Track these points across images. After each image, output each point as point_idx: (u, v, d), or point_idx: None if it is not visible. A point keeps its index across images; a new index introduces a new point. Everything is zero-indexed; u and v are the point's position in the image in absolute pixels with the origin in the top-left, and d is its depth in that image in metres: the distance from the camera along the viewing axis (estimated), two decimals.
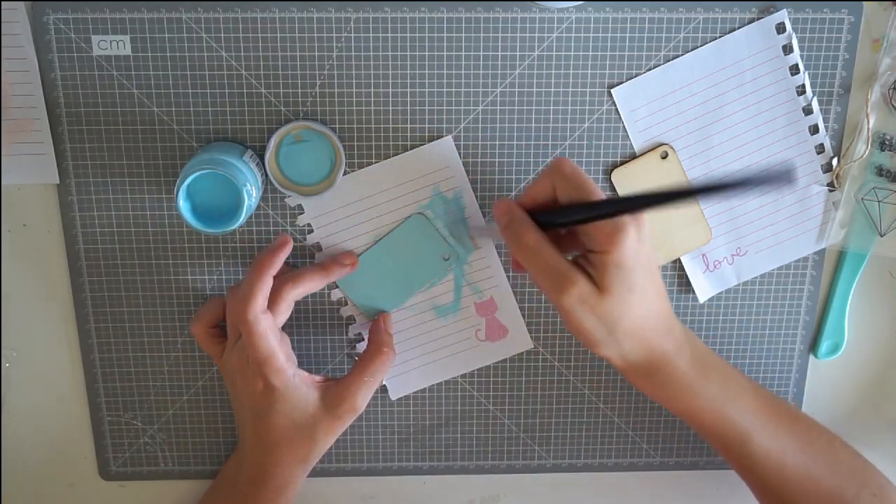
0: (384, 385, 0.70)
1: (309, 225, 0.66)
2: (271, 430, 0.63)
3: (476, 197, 0.66)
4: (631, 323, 0.57)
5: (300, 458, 0.64)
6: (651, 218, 0.67)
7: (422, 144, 0.65)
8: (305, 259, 0.67)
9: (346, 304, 0.68)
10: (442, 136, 0.65)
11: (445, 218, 0.66)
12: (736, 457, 0.63)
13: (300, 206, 0.65)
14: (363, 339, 0.69)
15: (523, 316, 0.69)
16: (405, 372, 0.70)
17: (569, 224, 0.57)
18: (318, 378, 0.65)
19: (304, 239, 0.66)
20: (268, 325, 0.61)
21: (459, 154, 0.65)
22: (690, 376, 0.60)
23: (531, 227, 0.57)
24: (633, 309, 0.56)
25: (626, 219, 0.55)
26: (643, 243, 0.56)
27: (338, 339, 0.69)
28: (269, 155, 0.63)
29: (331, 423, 0.64)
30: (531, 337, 0.70)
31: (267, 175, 0.63)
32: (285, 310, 0.63)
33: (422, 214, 0.66)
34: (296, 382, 0.62)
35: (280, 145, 0.63)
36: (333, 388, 0.64)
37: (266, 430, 0.63)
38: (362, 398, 0.64)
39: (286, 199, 0.65)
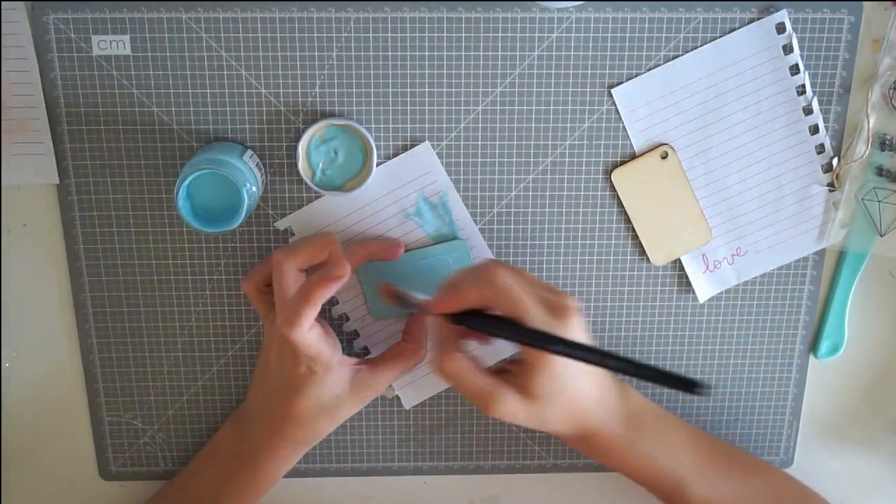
0: (397, 396, 0.70)
1: None
2: (297, 407, 0.62)
3: (476, 199, 0.66)
4: (560, 413, 0.60)
5: (313, 434, 0.65)
6: (651, 218, 0.67)
7: (422, 143, 0.65)
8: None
9: (349, 319, 0.68)
10: (445, 141, 0.65)
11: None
12: None
13: (290, 230, 0.66)
14: (370, 353, 0.69)
15: None
16: (416, 380, 0.70)
17: (493, 336, 0.61)
18: (353, 360, 0.64)
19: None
20: (312, 340, 0.59)
21: (459, 155, 0.65)
22: (622, 438, 0.63)
23: (453, 354, 0.59)
24: (565, 404, 0.60)
25: (557, 332, 0.57)
26: (584, 339, 0.59)
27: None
28: (301, 164, 0.63)
29: (353, 406, 0.65)
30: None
31: (302, 178, 0.63)
32: (294, 282, 0.61)
33: (465, 242, 0.66)
34: (335, 367, 0.62)
35: (309, 152, 0.63)
36: (364, 374, 0.64)
37: (291, 406, 0.62)
38: (385, 386, 0.66)
39: (274, 224, 0.65)
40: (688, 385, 0.53)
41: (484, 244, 0.67)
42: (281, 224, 0.66)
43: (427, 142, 0.65)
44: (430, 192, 0.66)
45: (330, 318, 0.68)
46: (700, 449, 0.65)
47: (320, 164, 0.63)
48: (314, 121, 0.63)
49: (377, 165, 0.64)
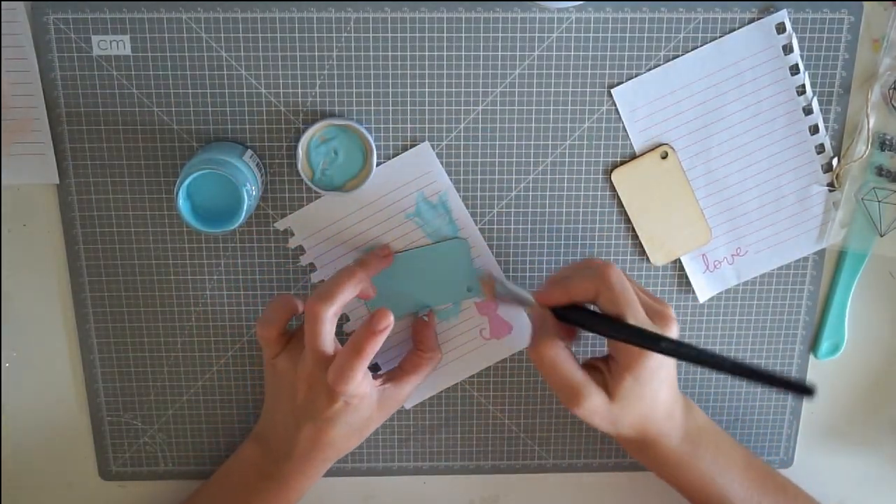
0: None
1: (300, 247, 0.66)
2: (330, 435, 0.63)
3: (476, 199, 0.66)
4: (634, 418, 0.61)
5: (342, 452, 0.66)
6: (651, 218, 0.67)
7: (422, 143, 0.65)
8: (300, 282, 0.67)
9: (349, 320, 0.68)
10: (444, 141, 0.65)
11: (477, 268, 0.67)
12: None
13: (290, 230, 0.65)
14: (378, 367, 0.69)
15: (524, 319, 0.69)
16: None
17: (596, 333, 0.61)
18: (378, 381, 0.65)
19: (299, 261, 0.66)
20: (363, 387, 0.61)
21: (459, 155, 0.65)
22: (680, 453, 0.63)
23: (553, 342, 0.59)
24: (640, 411, 0.60)
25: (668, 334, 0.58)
26: (665, 362, 0.60)
27: None
28: (301, 164, 0.63)
29: (380, 421, 0.66)
30: None
31: (302, 178, 0.63)
32: (331, 329, 0.61)
33: (465, 241, 0.66)
34: (364, 394, 0.62)
35: (309, 152, 0.63)
36: (390, 391, 0.65)
37: (325, 435, 0.63)
38: (407, 397, 0.67)
39: (274, 224, 0.65)
40: (799, 388, 0.54)
41: (484, 244, 0.67)
42: (281, 224, 0.66)
43: (427, 142, 0.65)
44: (430, 192, 0.66)
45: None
46: (751, 474, 0.66)
47: (320, 164, 0.63)
48: (314, 121, 0.63)
49: (377, 165, 0.64)
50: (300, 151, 0.62)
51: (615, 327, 0.58)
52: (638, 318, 0.58)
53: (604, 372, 0.61)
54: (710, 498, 0.64)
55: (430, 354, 0.67)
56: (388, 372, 0.67)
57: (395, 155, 0.65)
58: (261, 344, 0.65)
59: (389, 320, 0.59)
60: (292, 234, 0.66)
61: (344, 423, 0.63)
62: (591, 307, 0.61)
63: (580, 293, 0.60)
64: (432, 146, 0.65)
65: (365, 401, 0.62)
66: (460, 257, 0.67)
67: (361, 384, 0.60)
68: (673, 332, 0.59)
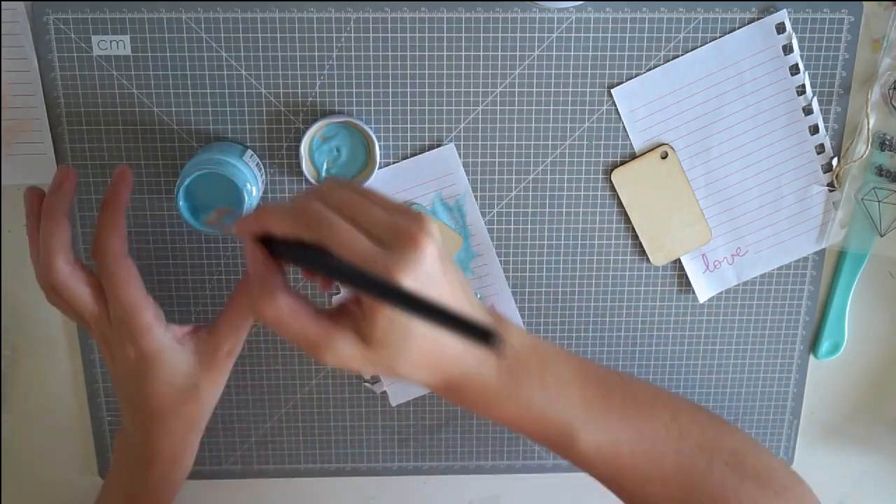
0: (384, 391, 0.70)
1: None
2: (152, 399, 0.56)
3: (476, 199, 0.66)
4: (413, 360, 0.50)
5: (189, 422, 0.58)
6: (651, 218, 0.67)
7: (421, 144, 0.65)
8: (300, 282, 0.67)
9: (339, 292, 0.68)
10: (443, 141, 0.65)
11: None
12: (565, 454, 0.57)
13: None
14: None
15: (524, 321, 0.69)
16: None
17: (321, 274, 0.51)
18: (187, 329, 0.58)
19: None
20: (131, 272, 0.54)
21: (459, 156, 0.65)
22: (497, 385, 0.53)
23: (272, 295, 0.50)
24: (413, 350, 0.50)
25: (394, 266, 0.46)
26: (430, 276, 0.47)
27: None
28: (305, 165, 0.63)
29: (213, 376, 0.57)
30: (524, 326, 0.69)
31: (305, 179, 0.63)
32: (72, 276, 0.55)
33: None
34: (168, 341, 0.55)
35: (311, 152, 0.63)
36: (205, 337, 0.57)
37: (146, 401, 0.56)
38: (236, 340, 0.58)
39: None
40: (481, 334, 0.41)
41: (493, 253, 0.67)
42: None
43: (452, 143, 0.65)
44: (448, 194, 0.66)
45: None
46: (591, 389, 0.56)
47: (324, 164, 0.63)
48: (314, 121, 0.63)
49: (395, 163, 0.64)
50: (303, 152, 0.62)
51: (332, 267, 0.48)
52: (352, 246, 0.47)
53: (356, 313, 0.50)
54: (547, 429, 0.55)
55: (242, 282, 0.58)
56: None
57: (394, 156, 0.65)
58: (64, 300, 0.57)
59: (69, 170, 0.55)
60: None
61: (158, 381, 0.55)
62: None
63: (271, 219, 0.50)
64: (433, 146, 0.65)
65: (167, 349, 0.55)
66: (460, 253, 0.66)
67: (153, 336, 0.54)
68: (417, 258, 0.47)
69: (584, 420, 0.55)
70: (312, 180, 0.63)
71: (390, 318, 0.48)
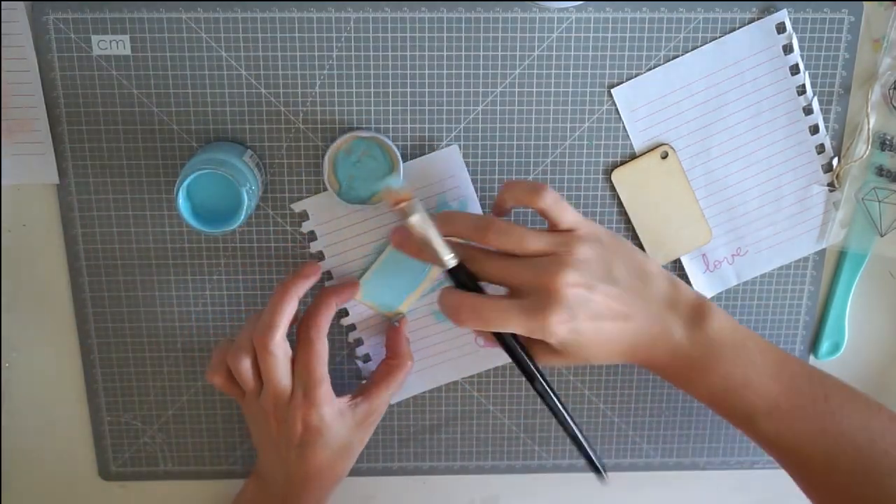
0: None
1: (312, 232, 0.66)
2: (312, 463, 0.63)
3: (466, 198, 0.66)
4: (603, 354, 0.59)
5: (339, 476, 0.66)
6: (651, 218, 0.67)
7: (421, 144, 0.65)
8: (316, 257, 0.67)
9: (347, 314, 0.68)
10: (442, 141, 0.65)
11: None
12: (747, 434, 0.62)
13: (305, 213, 0.65)
14: (362, 344, 0.69)
15: None
16: None
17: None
18: (347, 399, 0.64)
19: (308, 246, 0.66)
20: (325, 350, 0.62)
21: (459, 155, 0.65)
22: (692, 366, 0.60)
23: (481, 300, 0.58)
24: (601, 346, 0.59)
25: (547, 303, 0.56)
26: (580, 310, 0.57)
27: (337, 340, 0.69)
28: (326, 176, 0.62)
29: (363, 437, 0.66)
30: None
31: (325, 185, 0.63)
32: (283, 357, 0.62)
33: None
34: (335, 415, 0.62)
35: (335, 164, 0.63)
36: (363, 405, 0.64)
37: (307, 464, 0.63)
38: (386, 406, 0.67)
39: (291, 206, 0.65)
40: (597, 470, 0.59)
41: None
42: (297, 206, 0.65)
43: (456, 144, 0.65)
44: (452, 196, 0.66)
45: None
46: (782, 383, 0.60)
47: (346, 177, 0.63)
48: (332, 133, 0.63)
49: (408, 161, 0.64)
50: (326, 163, 0.62)
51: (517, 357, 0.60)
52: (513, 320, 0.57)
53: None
54: (731, 411, 0.61)
55: (399, 361, 0.66)
56: (357, 388, 0.66)
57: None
58: (223, 391, 0.64)
59: (318, 267, 0.63)
60: (307, 218, 0.66)
61: (323, 447, 0.62)
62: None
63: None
64: (432, 147, 0.65)
65: (333, 423, 0.62)
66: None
67: (325, 410, 0.61)
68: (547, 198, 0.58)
69: (767, 411, 0.60)
70: (332, 192, 0.63)
71: (568, 331, 0.57)
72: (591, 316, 0.57)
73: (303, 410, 0.61)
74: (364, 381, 0.67)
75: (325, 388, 0.61)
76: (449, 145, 0.65)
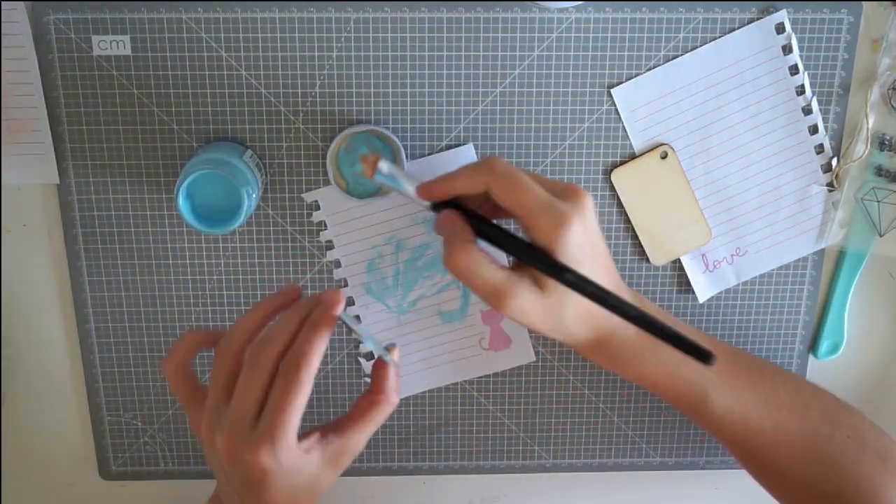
0: None
1: (323, 222, 0.66)
2: (270, 503, 0.55)
3: None
4: (576, 310, 0.56)
5: None
6: (651, 218, 0.67)
7: (420, 144, 0.65)
8: (300, 282, 0.67)
9: (354, 303, 0.68)
10: (444, 141, 0.65)
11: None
12: (696, 415, 0.62)
13: (316, 203, 0.65)
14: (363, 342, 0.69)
15: None
16: (405, 375, 0.70)
17: (504, 249, 0.56)
18: (315, 437, 0.56)
19: (318, 236, 0.66)
20: (307, 392, 0.52)
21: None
22: (639, 344, 0.59)
23: (465, 246, 0.54)
24: (578, 300, 0.55)
25: (569, 211, 0.53)
26: (589, 233, 0.55)
27: (338, 340, 0.69)
28: (332, 177, 0.63)
29: (332, 476, 0.57)
30: (532, 344, 0.70)
31: (331, 183, 0.63)
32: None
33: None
34: (298, 456, 0.53)
35: (338, 164, 0.63)
36: (334, 444, 0.56)
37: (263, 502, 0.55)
38: (362, 446, 0.58)
39: (302, 196, 0.65)
40: (699, 354, 0.51)
41: (503, 255, 0.67)
42: (308, 196, 0.65)
43: (471, 144, 0.65)
44: None
45: None
46: (723, 357, 0.60)
47: (352, 174, 0.63)
48: (333, 131, 0.63)
49: (419, 158, 0.64)
50: (329, 165, 0.62)
51: (516, 245, 0.55)
52: (538, 195, 0.53)
53: (530, 268, 0.56)
54: (684, 388, 0.60)
55: (383, 398, 0.57)
56: (333, 421, 0.58)
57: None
58: (172, 389, 0.57)
59: (340, 298, 0.54)
60: (317, 209, 0.66)
61: (279, 489, 0.54)
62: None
63: (466, 185, 0.55)
64: (432, 147, 0.65)
65: (293, 462, 0.53)
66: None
67: (283, 455, 0.52)
68: (585, 205, 0.55)
69: (717, 383, 0.60)
70: (341, 191, 0.63)
71: (559, 257, 0.54)
72: (593, 248, 0.55)
73: (263, 448, 0.52)
74: (341, 416, 0.58)
75: (290, 435, 0.52)
76: (459, 145, 0.65)
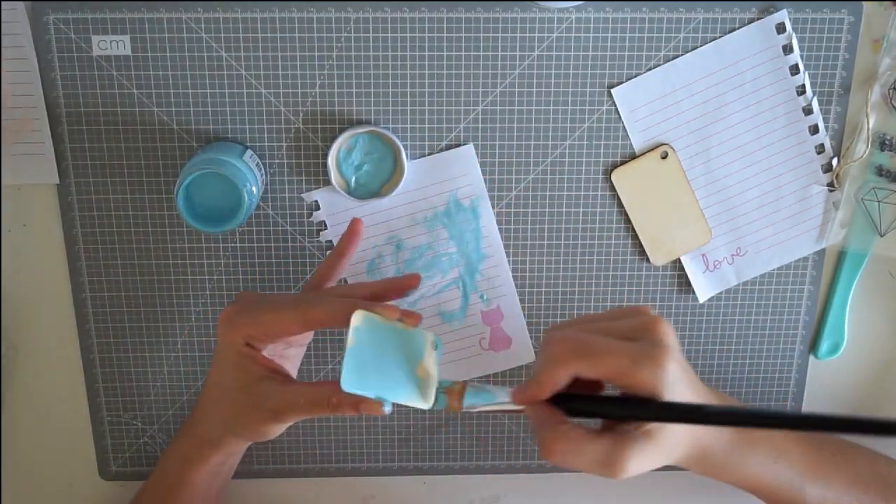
0: None
1: (323, 223, 0.66)
2: (206, 389, 0.61)
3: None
4: (678, 438, 0.54)
5: (223, 417, 0.59)
6: (651, 218, 0.67)
7: (420, 144, 0.65)
8: (299, 283, 0.67)
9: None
10: (444, 141, 0.65)
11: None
12: None
13: (316, 203, 0.65)
14: None
15: (528, 326, 0.69)
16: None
17: (598, 416, 0.54)
18: (274, 366, 0.58)
19: (318, 236, 0.66)
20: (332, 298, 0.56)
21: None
22: (735, 452, 0.58)
23: (558, 429, 0.51)
24: (681, 434, 0.54)
25: (656, 353, 0.51)
26: (678, 360, 0.52)
27: (338, 339, 0.69)
28: (334, 178, 0.63)
29: (254, 399, 0.57)
30: (532, 344, 0.70)
31: (331, 183, 0.63)
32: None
33: (424, 335, 0.54)
34: (245, 352, 0.57)
35: (339, 165, 0.63)
36: (276, 389, 0.56)
37: (204, 387, 0.61)
38: (288, 418, 0.57)
39: (302, 196, 0.65)
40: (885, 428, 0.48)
41: (503, 254, 0.67)
42: (308, 196, 0.65)
43: (471, 144, 0.65)
44: (463, 194, 0.66)
45: None
46: (808, 446, 0.61)
47: (353, 175, 0.63)
48: (332, 131, 0.63)
49: (419, 158, 0.64)
50: (330, 166, 0.63)
51: (604, 405, 0.53)
52: (620, 355, 0.51)
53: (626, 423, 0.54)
54: (777, 486, 0.60)
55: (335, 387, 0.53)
56: (303, 383, 0.58)
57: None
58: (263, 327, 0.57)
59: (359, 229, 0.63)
60: (317, 209, 0.66)
61: (214, 376, 0.60)
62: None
63: (556, 384, 0.52)
64: (432, 147, 0.65)
65: (249, 364, 0.57)
66: (415, 348, 0.54)
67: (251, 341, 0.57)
68: (663, 332, 0.52)
69: (809, 477, 0.61)
70: (342, 192, 0.63)
71: (675, 375, 0.52)
72: (687, 371, 0.54)
73: (240, 330, 0.56)
74: (305, 382, 0.58)
75: (263, 336, 0.56)
76: (459, 145, 0.65)
